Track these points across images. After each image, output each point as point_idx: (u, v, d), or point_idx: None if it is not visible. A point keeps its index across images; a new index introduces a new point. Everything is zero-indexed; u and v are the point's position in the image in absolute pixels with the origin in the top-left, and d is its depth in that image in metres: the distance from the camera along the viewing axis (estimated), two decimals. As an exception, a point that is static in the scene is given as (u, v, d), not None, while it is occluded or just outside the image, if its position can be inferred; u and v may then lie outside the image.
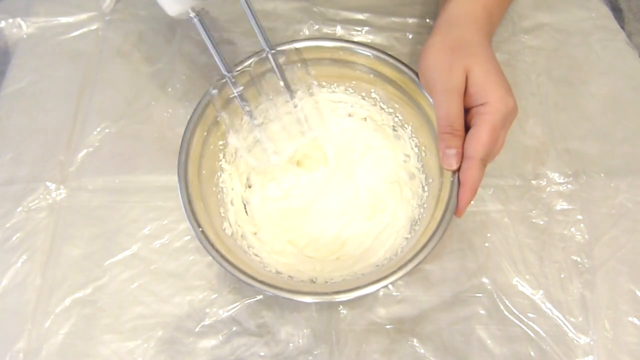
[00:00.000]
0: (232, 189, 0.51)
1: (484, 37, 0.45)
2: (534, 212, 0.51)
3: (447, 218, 0.41)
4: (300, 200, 0.52)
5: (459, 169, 0.42)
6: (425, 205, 0.48)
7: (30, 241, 0.49)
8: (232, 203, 0.50)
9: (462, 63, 0.42)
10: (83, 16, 0.62)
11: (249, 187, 0.53)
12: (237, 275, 0.40)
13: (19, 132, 0.55)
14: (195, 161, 0.46)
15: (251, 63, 0.48)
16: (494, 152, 0.42)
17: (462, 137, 0.42)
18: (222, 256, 0.41)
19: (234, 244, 0.46)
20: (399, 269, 0.40)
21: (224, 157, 0.51)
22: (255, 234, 0.50)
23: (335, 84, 0.53)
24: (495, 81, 0.42)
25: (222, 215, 0.48)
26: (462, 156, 0.42)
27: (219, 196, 0.49)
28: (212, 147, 0.49)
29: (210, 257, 0.48)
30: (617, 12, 0.67)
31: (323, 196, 0.53)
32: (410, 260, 0.40)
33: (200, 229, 0.42)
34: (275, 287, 0.40)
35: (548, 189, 0.52)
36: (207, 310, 0.46)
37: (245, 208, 0.52)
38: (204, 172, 0.47)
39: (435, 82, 0.43)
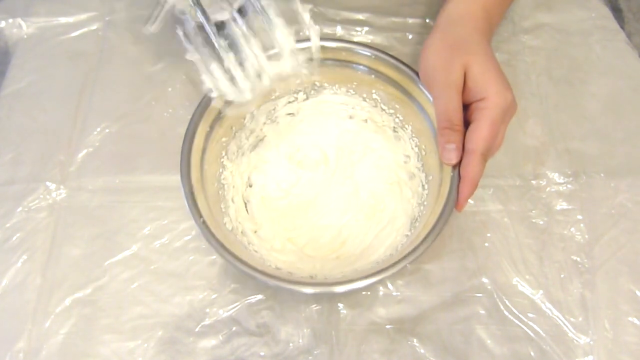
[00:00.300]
0: (234, 187, 0.51)
1: (483, 36, 0.46)
2: (534, 212, 0.51)
3: (447, 212, 0.42)
4: (300, 199, 0.52)
5: (459, 164, 0.43)
6: (425, 203, 0.48)
7: (30, 241, 0.49)
8: (232, 200, 0.50)
9: (460, 60, 0.43)
10: (83, 16, 0.62)
11: (250, 186, 0.53)
12: (237, 265, 0.40)
13: (19, 132, 0.55)
14: (198, 154, 0.46)
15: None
16: (494, 147, 0.43)
17: (461, 132, 0.42)
18: (223, 247, 0.41)
19: (234, 238, 0.46)
20: (399, 261, 0.40)
21: (226, 155, 0.51)
22: (255, 232, 0.50)
23: (337, 85, 0.53)
24: (493, 77, 0.42)
25: (223, 210, 0.48)
26: (461, 151, 0.42)
27: (220, 192, 0.49)
28: (214, 142, 0.49)
29: (211, 257, 0.49)
30: (617, 12, 0.67)
31: (323, 195, 0.53)
32: (410, 254, 0.40)
33: (202, 219, 0.42)
34: (276, 278, 0.40)
35: (548, 189, 0.52)
36: (207, 310, 0.46)
37: (245, 206, 0.52)
38: (205, 166, 0.47)
39: (434, 79, 0.44)
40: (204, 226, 0.42)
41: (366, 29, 0.62)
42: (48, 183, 0.52)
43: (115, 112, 0.56)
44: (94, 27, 0.62)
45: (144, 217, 0.50)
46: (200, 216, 0.42)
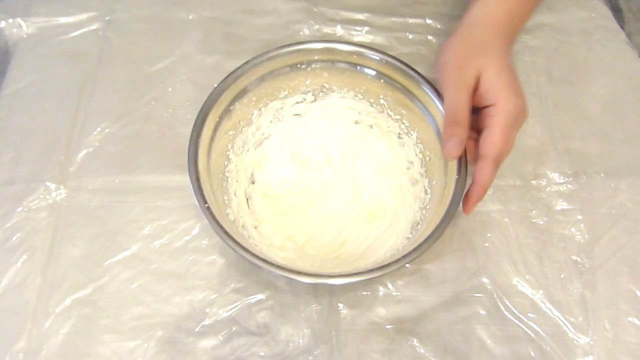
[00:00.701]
0: (237, 181, 0.51)
1: (503, 40, 0.47)
2: (534, 212, 0.51)
3: (450, 215, 0.42)
4: (302, 199, 0.53)
5: (461, 167, 0.44)
6: (428, 207, 0.48)
7: (30, 241, 0.49)
8: (235, 194, 0.50)
9: (475, 63, 0.44)
10: (83, 16, 0.62)
11: (252, 182, 0.53)
12: (239, 251, 0.41)
13: (19, 132, 0.55)
14: (206, 143, 0.47)
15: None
16: (505, 152, 0.43)
17: (466, 129, 0.43)
18: (226, 233, 0.41)
19: (235, 230, 0.46)
20: (398, 260, 0.40)
21: (232, 148, 0.51)
22: (255, 227, 0.50)
23: (345, 89, 0.53)
24: (505, 83, 0.43)
25: (226, 202, 0.48)
26: (464, 146, 0.43)
27: (224, 184, 0.49)
28: (222, 134, 0.49)
29: (211, 257, 0.49)
30: (617, 12, 0.67)
31: (325, 196, 0.53)
32: (410, 253, 0.41)
33: (207, 205, 0.42)
34: (275, 265, 0.40)
35: (548, 189, 0.52)
36: (207, 310, 0.46)
37: (247, 202, 0.52)
38: (212, 155, 0.47)
39: (447, 76, 0.45)
40: (207, 212, 0.42)
41: (366, 28, 0.62)
42: (48, 183, 0.52)
43: (115, 112, 0.56)
44: (94, 27, 0.62)
45: (144, 217, 0.50)
46: (205, 202, 0.42)
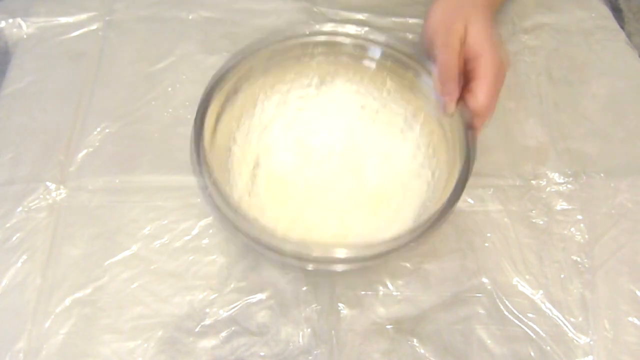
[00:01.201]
0: (240, 169, 0.51)
1: (487, 4, 0.49)
2: (534, 212, 0.51)
3: (455, 198, 0.42)
4: (306, 186, 0.52)
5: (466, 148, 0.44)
6: (433, 195, 0.48)
7: (30, 241, 0.49)
8: (239, 180, 0.50)
9: (463, 17, 0.46)
10: (83, 16, 0.62)
11: (256, 169, 0.53)
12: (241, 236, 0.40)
13: (19, 132, 0.55)
14: (209, 132, 0.46)
15: None
16: (491, 107, 0.45)
17: (458, 84, 0.45)
18: (230, 207, 0.41)
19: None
20: (401, 245, 0.40)
21: (236, 133, 0.51)
22: (259, 214, 0.50)
23: (349, 82, 0.53)
24: (490, 37, 0.45)
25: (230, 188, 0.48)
26: (456, 101, 0.45)
27: (227, 172, 0.49)
28: (226, 122, 0.49)
29: (211, 257, 0.49)
30: (617, 12, 0.67)
31: (328, 187, 0.52)
32: (413, 239, 0.40)
33: (212, 178, 0.42)
34: (277, 252, 0.40)
35: (548, 189, 0.52)
36: (207, 310, 0.46)
37: (251, 188, 0.51)
38: (217, 140, 0.47)
39: (437, 37, 0.46)
40: (214, 187, 0.41)
41: (366, 29, 0.62)
42: (48, 183, 0.52)
43: (115, 112, 0.56)
44: (94, 27, 0.62)
45: (144, 217, 0.50)
46: (211, 178, 0.42)
